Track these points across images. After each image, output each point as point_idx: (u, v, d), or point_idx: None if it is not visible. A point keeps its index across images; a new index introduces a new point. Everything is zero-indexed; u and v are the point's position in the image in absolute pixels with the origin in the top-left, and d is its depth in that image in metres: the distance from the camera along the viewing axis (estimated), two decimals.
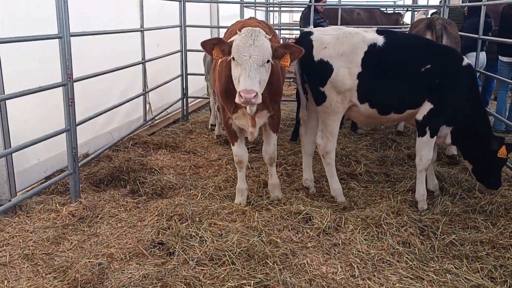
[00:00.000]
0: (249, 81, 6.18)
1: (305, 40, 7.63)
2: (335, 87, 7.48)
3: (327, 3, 15.45)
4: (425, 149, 7.76)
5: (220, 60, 7.08)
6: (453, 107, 7.64)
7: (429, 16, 17.38)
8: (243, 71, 6.26)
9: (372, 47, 7.46)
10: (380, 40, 7.51)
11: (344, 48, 7.44)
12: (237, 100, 6.22)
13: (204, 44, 6.76)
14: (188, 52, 13.54)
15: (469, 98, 7.76)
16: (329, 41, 7.50)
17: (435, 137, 7.75)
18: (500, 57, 12.71)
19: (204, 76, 12.57)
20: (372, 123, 8.39)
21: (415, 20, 16.11)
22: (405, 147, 10.92)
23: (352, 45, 7.46)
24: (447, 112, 7.66)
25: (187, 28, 13.30)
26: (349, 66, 7.44)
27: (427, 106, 7.60)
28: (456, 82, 7.61)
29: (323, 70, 7.47)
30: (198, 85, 15.89)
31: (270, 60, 6.47)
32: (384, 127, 12.75)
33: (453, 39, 10.19)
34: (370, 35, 7.58)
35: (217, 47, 6.70)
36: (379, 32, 7.69)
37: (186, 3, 13.11)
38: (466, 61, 7.78)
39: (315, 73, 7.57)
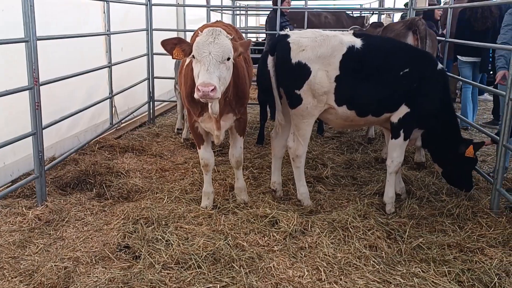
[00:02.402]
0: (207, 75, 6.19)
1: (282, 42, 7.58)
2: (312, 90, 7.44)
3: (292, 6, 15.48)
4: (397, 151, 7.82)
5: (186, 63, 7.11)
6: (427, 110, 7.73)
7: (393, 19, 17.53)
8: (202, 67, 6.29)
9: (351, 49, 7.43)
10: (358, 42, 7.50)
11: (322, 50, 7.38)
12: (195, 95, 6.24)
13: (164, 43, 6.77)
14: (154, 56, 13.51)
15: (442, 101, 7.86)
16: (307, 43, 7.44)
17: (408, 140, 7.82)
18: (459, 57, 13.23)
19: (173, 80, 12.56)
20: (349, 126, 8.40)
21: (385, 23, 16.27)
22: (372, 150, 10.98)
23: (331, 48, 7.41)
24: (422, 115, 7.74)
25: (153, 31, 13.27)
26: (327, 69, 7.40)
27: (403, 109, 7.65)
28: (432, 86, 7.69)
29: (300, 73, 7.42)
30: (164, 89, 15.86)
31: (231, 58, 6.50)
32: (351, 130, 12.79)
33: (435, 40, 10.34)
34: (348, 38, 7.57)
35: (178, 47, 6.73)
36: (356, 35, 7.70)
37: (153, 7, 13.09)
38: (440, 65, 7.89)
39: (292, 76, 7.50)
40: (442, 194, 8.47)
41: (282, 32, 8.02)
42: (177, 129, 12.54)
